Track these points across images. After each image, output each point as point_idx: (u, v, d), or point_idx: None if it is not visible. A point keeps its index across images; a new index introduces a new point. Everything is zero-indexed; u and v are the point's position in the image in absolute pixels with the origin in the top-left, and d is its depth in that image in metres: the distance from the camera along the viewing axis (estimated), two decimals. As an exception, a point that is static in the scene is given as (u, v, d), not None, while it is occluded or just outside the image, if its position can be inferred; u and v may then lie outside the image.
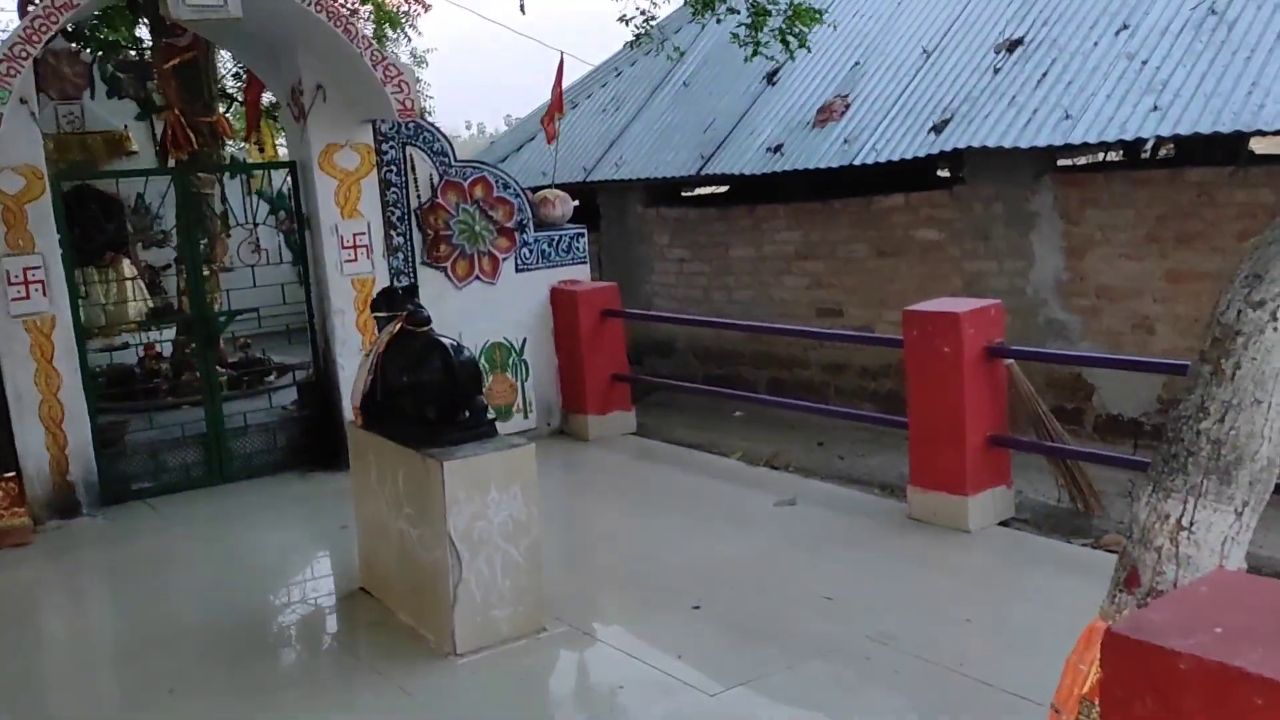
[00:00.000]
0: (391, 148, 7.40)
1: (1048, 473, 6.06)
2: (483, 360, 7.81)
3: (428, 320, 4.63)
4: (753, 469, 7.16)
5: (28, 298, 6.20)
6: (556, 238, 8.16)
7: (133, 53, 10.68)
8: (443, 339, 4.58)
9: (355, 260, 7.24)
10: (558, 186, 8.40)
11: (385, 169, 7.37)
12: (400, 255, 7.50)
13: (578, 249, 8.25)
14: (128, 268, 11.02)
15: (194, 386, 7.97)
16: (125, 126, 11.04)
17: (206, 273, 8.81)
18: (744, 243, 9.72)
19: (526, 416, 8.10)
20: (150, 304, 10.85)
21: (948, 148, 7.52)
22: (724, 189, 11.32)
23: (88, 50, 10.42)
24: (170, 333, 9.80)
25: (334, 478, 6.95)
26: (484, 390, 7.67)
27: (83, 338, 6.69)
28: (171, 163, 8.63)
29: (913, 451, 5.80)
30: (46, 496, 6.37)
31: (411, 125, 7.42)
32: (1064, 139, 6.81)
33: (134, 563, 5.93)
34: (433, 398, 4.48)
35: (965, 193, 7.93)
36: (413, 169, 7.49)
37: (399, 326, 4.64)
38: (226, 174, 10.55)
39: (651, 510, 6.33)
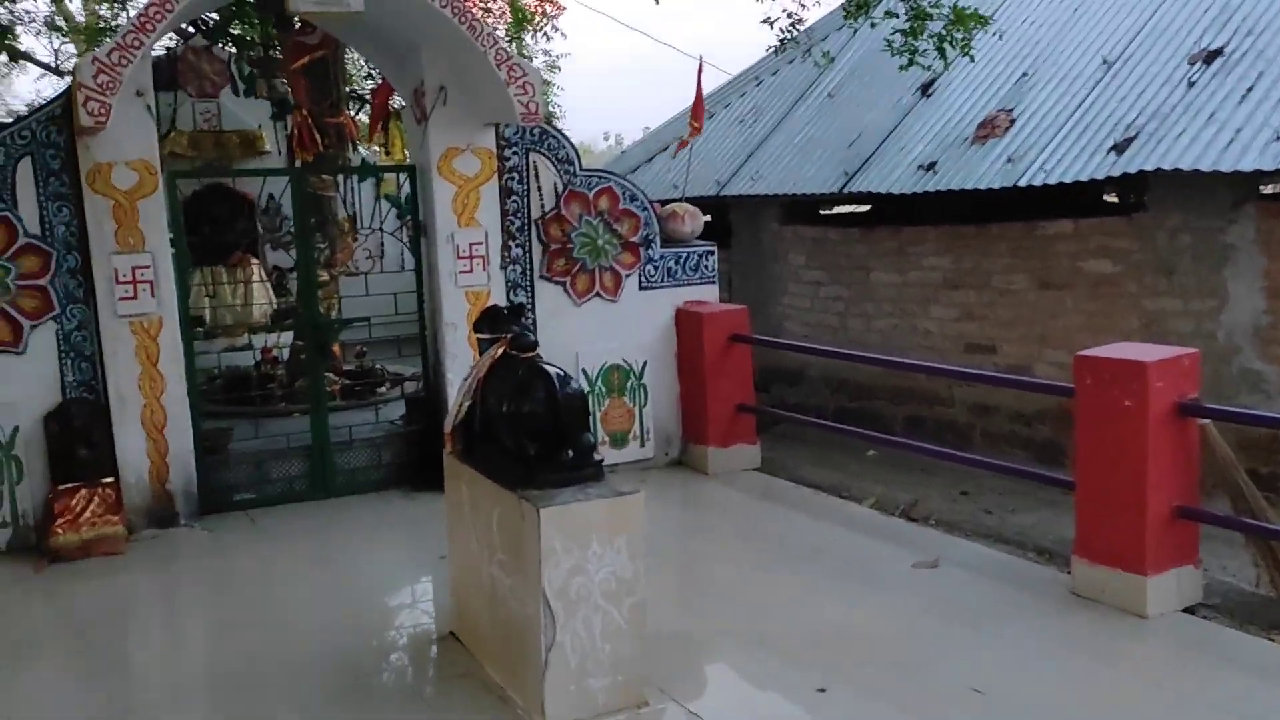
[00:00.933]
0: (514, 154, 7.04)
1: (1243, 551, 5.23)
2: (599, 383, 7.38)
3: (533, 345, 4.19)
4: (887, 519, 6.49)
5: (135, 298, 6.04)
6: (684, 255, 7.66)
7: (267, 51, 10.67)
8: (549, 367, 4.12)
9: (470, 271, 6.89)
10: (688, 200, 7.91)
11: (506, 176, 7.01)
12: (518, 268, 7.13)
13: (706, 268, 7.74)
14: (255, 268, 11.05)
15: (306, 394, 7.79)
16: (259, 126, 11.08)
17: (325, 277, 8.67)
18: (887, 267, 9.05)
19: (643, 445, 7.62)
20: (275, 306, 10.84)
21: (1132, 169, 6.73)
22: (866, 208, 10.65)
23: (224, 47, 10.46)
24: (290, 336, 9.68)
25: (439, 499, 6.58)
26: (594, 420, 7.36)
27: (190, 341, 6.51)
28: (298, 163, 8.51)
29: (1080, 517, 5.07)
30: (144, 504, 6.19)
31: (536, 130, 7.05)
32: (1275, 163, 5.95)
33: (225, 581, 5.69)
34: (533, 432, 4.02)
35: (1147, 221, 7.11)
36: (535, 177, 7.11)
37: (501, 350, 4.20)
38: (355, 178, 10.48)
39: (773, 561, 5.75)
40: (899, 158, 8.71)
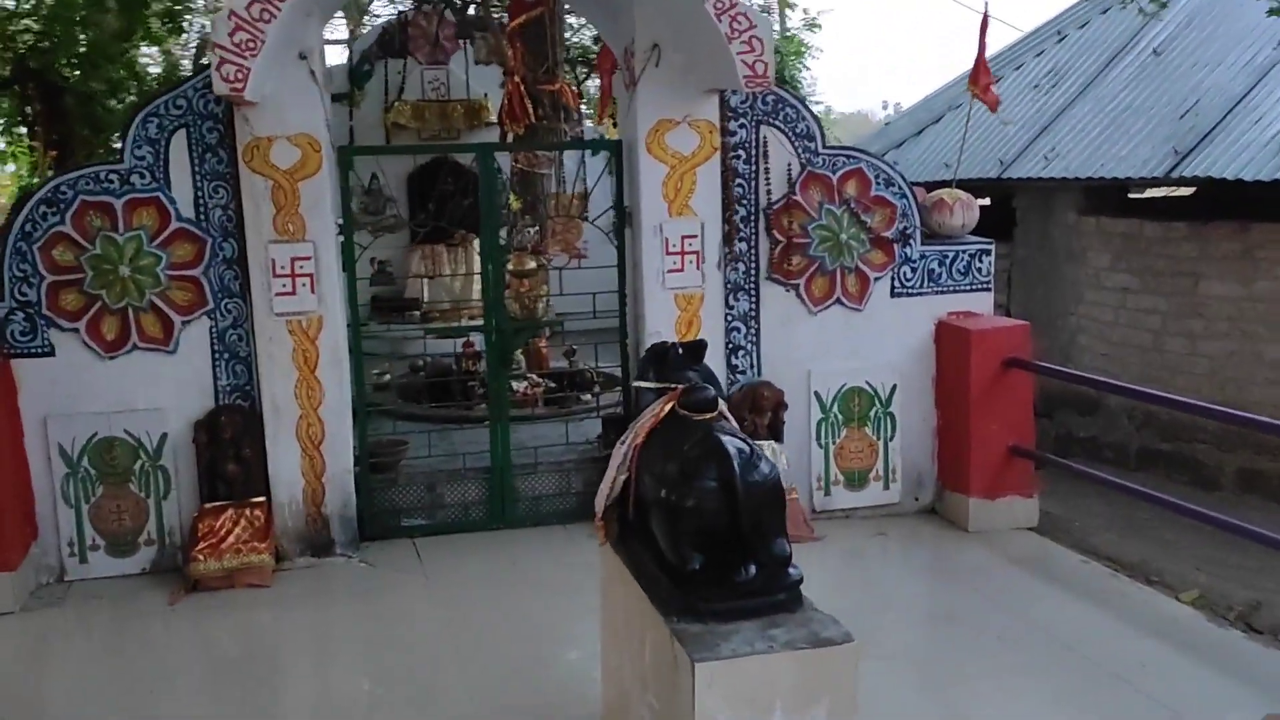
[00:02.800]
0: (741, 127, 5.83)
1: None
2: (835, 410, 6.09)
3: (711, 404, 3.01)
4: (1218, 629, 4.84)
5: (293, 293, 5.34)
6: (951, 254, 6.19)
7: (488, 10, 9.96)
8: (730, 440, 2.92)
9: (681, 270, 5.76)
10: (960, 185, 6.40)
11: (730, 154, 5.81)
12: (740, 267, 5.94)
13: (979, 271, 6.23)
14: (477, 249, 10.43)
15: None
16: (485, 95, 10.42)
17: (533, 265, 7.83)
18: (1224, 274, 7.15)
19: (887, 487, 6.26)
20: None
21: None
22: (1189, 191, 8.62)
23: (448, 11, 9.83)
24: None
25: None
26: (827, 455, 6.07)
27: (358, 344, 5.77)
28: (508, 136, 7.70)
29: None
30: (297, 530, 5.52)
31: (769, 99, 5.81)
32: None
33: (374, 630, 4.94)
34: (700, 533, 2.83)
35: None
36: (765, 156, 5.87)
37: (668, 407, 3.04)
38: (588, 153, 9.59)
39: (1050, 689, 4.28)
40: (1253, 133, 6.80)
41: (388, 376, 8.28)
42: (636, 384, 3.31)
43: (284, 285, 5.34)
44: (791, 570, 2.88)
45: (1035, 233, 8.64)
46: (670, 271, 5.75)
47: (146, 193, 5.28)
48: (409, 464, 6.15)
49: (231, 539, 5.33)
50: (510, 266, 7.85)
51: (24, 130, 14.61)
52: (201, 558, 5.26)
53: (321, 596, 5.26)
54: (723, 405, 3.10)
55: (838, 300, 6.07)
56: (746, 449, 2.88)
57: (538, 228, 7.84)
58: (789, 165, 5.90)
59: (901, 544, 5.93)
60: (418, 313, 10.67)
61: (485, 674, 4.44)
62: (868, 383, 6.17)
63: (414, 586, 5.35)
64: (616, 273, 6.07)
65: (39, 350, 5.28)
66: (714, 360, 5.76)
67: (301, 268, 5.35)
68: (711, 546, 2.83)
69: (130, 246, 5.26)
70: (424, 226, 9.10)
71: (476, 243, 10.36)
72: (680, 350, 3.25)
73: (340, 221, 5.65)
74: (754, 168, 5.88)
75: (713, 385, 3.16)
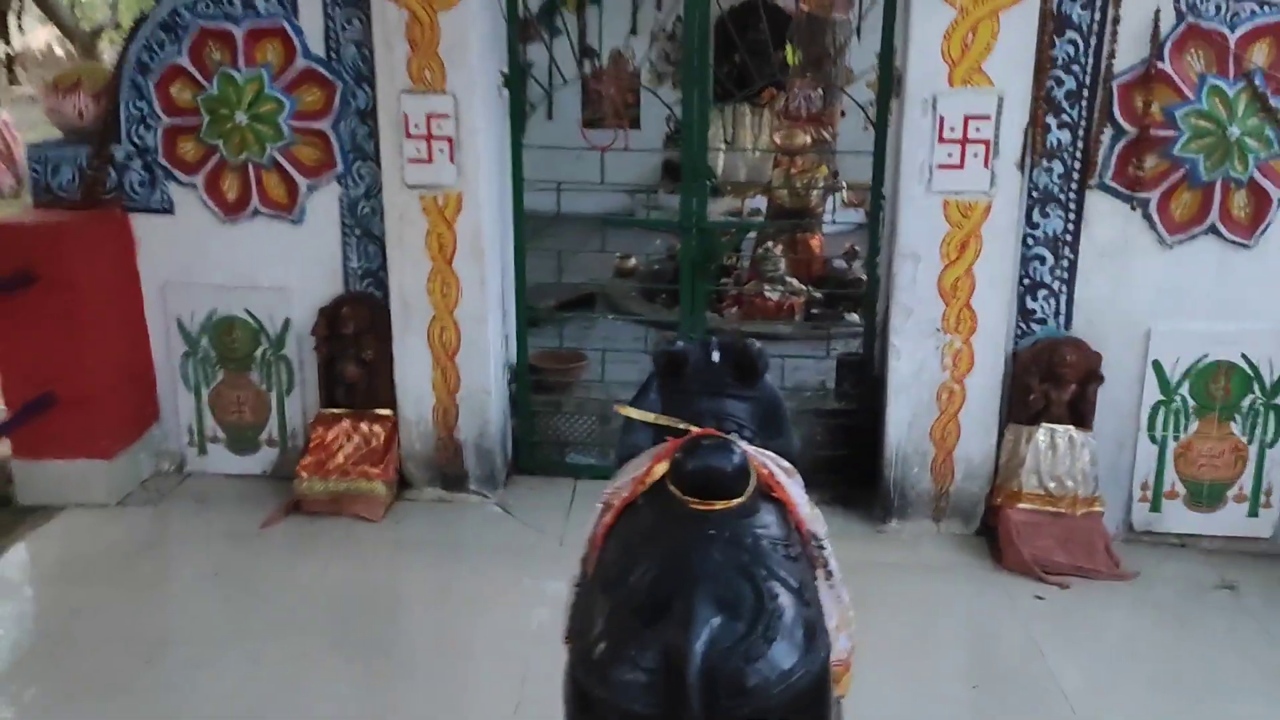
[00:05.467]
0: (1081, -51, 3.85)
1: None
2: (1183, 391, 4.16)
3: (725, 485, 1.48)
4: None
5: (429, 160, 4.22)
6: None
7: None
8: (732, 576, 1.39)
9: (960, 166, 4.01)
10: None
11: (1060, -6, 3.88)
12: (1054, 167, 4.07)
13: None
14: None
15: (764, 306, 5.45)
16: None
17: (806, 139, 6.20)
18: None
19: (1254, 513, 4.31)
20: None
21: None
22: None
23: None
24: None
25: (867, 527, 4.25)
26: (1164, 456, 4.07)
27: (523, 237, 4.58)
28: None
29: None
30: (425, 455, 4.56)
31: (1135, -98, 3.77)
32: None
33: (464, 610, 3.90)
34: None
35: None
36: (1116, 1, 3.87)
37: (657, 470, 1.55)
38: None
39: None
40: None
41: (633, 261, 7.07)
42: (622, 409, 1.83)
43: (417, 149, 4.22)
44: None
45: None
46: (942, 167, 4.00)
47: (270, 20, 4.31)
48: (585, 384, 4.96)
49: (342, 457, 4.46)
50: (778, 138, 6.29)
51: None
52: (305, 474, 4.43)
53: (427, 549, 4.25)
54: (787, 490, 1.56)
55: (1211, 228, 4.04)
56: (765, 608, 1.35)
57: (821, 91, 6.15)
58: (1156, 11, 3.86)
59: (1263, 606, 3.96)
60: (708, 184, 9.39)
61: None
62: (1244, 356, 4.15)
63: (543, 552, 4.21)
64: (872, 162, 4.38)
65: (158, 206, 4.57)
66: (1003, 300, 4.05)
67: (439, 128, 4.19)
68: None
69: (250, 88, 4.35)
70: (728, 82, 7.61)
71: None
72: (719, 354, 1.72)
73: (505, 70, 4.40)
74: (1095, 16, 3.90)
75: (772, 433, 1.63)
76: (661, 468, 1.56)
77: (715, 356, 1.79)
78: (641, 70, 9.77)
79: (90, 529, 4.35)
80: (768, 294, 6.06)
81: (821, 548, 1.65)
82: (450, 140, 4.20)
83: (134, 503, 4.58)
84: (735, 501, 1.49)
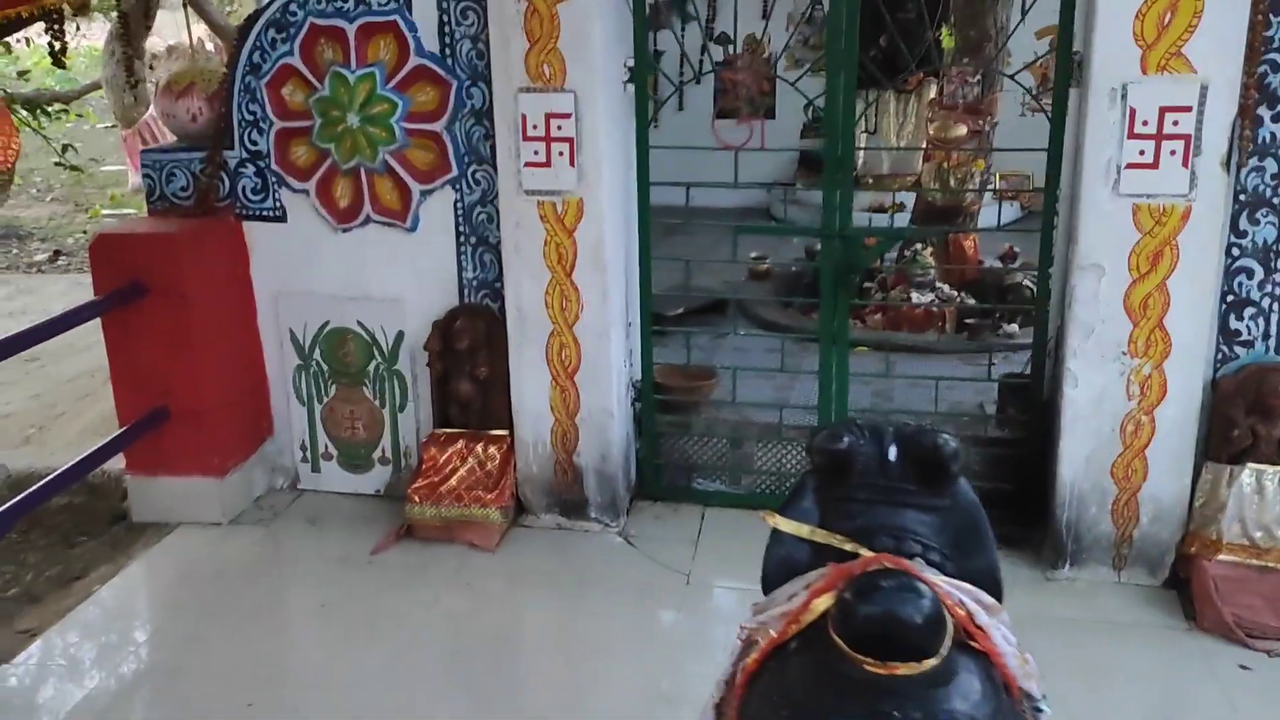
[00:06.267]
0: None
1: None
2: None
3: (913, 639, 1.07)
4: None
5: (547, 163, 3.90)
6: None
7: None
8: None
9: (1154, 165, 3.50)
10: None
11: (1284, -41, 3.31)
12: (1268, 166, 3.50)
13: None
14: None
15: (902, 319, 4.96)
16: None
17: (961, 129, 5.69)
18: None
19: None
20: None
21: None
22: None
23: None
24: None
25: (1035, 572, 3.82)
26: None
27: (648, 243, 4.23)
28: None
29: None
30: (544, 480, 4.27)
31: None
32: None
33: (589, 654, 3.61)
34: None
35: None
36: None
37: (817, 606, 1.16)
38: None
39: None
40: None
41: (768, 263, 6.64)
42: (770, 518, 1.44)
43: (535, 152, 3.91)
44: None
45: None
46: (1132, 166, 3.48)
47: (384, 14, 4.05)
48: (715, 403, 4.59)
49: (455, 481, 4.20)
50: (932, 130, 5.77)
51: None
52: (418, 499, 4.19)
53: (545, 583, 3.97)
54: (992, 639, 1.16)
55: None
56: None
57: (980, 77, 5.60)
58: (1401, -20, 3.25)
59: None
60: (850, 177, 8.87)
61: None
62: None
63: (668, 590, 3.88)
64: (1046, 159, 3.87)
65: (271, 214, 4.39)
66: (1203, 320, 3.52)
67: (559, 129, 3.86)
68: None
69: (362, 88, 4.10)
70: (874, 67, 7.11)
71: (933, 90, 8.24)
72: (896, 450, 1.32)
73: (630, 64, 4.04)
74: (1324, -15, 3.32)
75: (968, 554, 1.22)
76: (822, 603, 1.18)
77: (892, 453, 1.39)
78: (778, 58, 9.33)
79: (202, 549, 4.22)
80: (916, 301, 5.57)
81: (1039, 711, 1.25)
82: (570, 142, 3.87)
83: (246, 520, 4.43)
84: (925, 665, 1.10)
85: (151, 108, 12.34)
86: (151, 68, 10.81)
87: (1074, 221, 3.65)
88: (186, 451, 4.27)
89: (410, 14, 4.03)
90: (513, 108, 3.89)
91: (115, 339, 4.21)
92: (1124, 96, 3.44)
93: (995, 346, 5.20)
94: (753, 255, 6.56)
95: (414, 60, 4.06)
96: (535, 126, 3.89)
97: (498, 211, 4.10)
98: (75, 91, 11.81)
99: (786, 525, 1.42)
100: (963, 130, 5.57)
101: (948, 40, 5.58)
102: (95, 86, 11.28)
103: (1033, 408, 4.09)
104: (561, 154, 3.89)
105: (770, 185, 8.54)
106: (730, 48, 8.99)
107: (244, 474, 4.48)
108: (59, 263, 9.64)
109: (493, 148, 4.04)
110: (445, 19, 4.01)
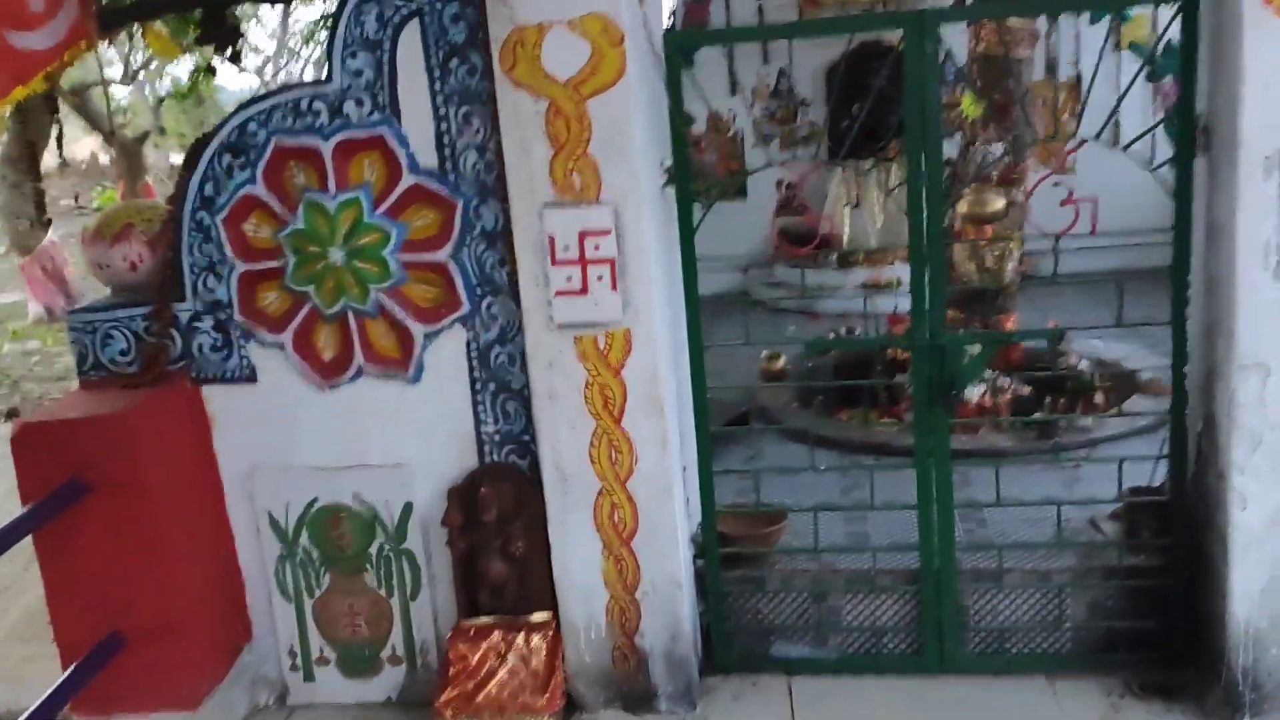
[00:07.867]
0: None
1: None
2: None
3: None
4: None
5: (583, 291, 3.24)
6: None
7: None
8: None
9: (1330, 247, 2.92)
10: None
11: None
12: None
13: None
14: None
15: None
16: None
17: (998, 204, 5.17)
18: None
19: None
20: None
21: None
22: None
23: None
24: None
25: None
26: None
27: (701, 364, 3.56)
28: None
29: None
30: (599, 670, 3.53)
31: None
32: None
33: None
34: None
35: None
36: None
37: None
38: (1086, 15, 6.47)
39: None
40: None
41: (781, 360, 6.02)
42: None
43: (568, 278, 3.24)
44: None
45: None
46: (1293, 243, 2.93)
47: (366, 128, 3.37)
48: (787, 549, 3.89)
49: (494, 684, 3.44)
50: (963, 208, 5.26)
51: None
52: (449, 713, 3.40)
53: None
54: None
55: None
56: None
57: (1008, 144, 5.11)
58: None
59: None
60: (834, 255, 8.37)
61: None
62: None
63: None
64: (1173, 240, 3.32)
65: (236, 375, 3.63)
66: None
67: (596, 248, 3.20)
68: None
69: (345, 217, 3.40)
70: (848, 140, 6.66)
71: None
72: None
73: (669, 165, 3.42)
74: None
75: None
76: None
77: None
78: (742, 132, 8.88)
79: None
80: (966, 394, 4.99)
81: None
82: (612, 263, 3.22)
83: (230, 758, 3.58)
84: None
85: (50, 232, 11.41)
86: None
87: (1226, 315, 3.09)
88: (149, 683, 3.45)
89: (399, 125, 3.36)
90: (537, 227, 3.23)
91: (51, 552, 3.39)
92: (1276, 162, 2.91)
93: (1073, 444, 4.62)
94: (765, 353, 5.94)
95: (407, 179, 3.38)
96: (567, 248, 3.22)
97: (522, 351, 3.40)
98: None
99: None
100: (1001, 204, 5.07)
101: (971, 108, 5.13)
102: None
103: (1174, 530, 3.49)
104: (601, 278, 3.23)
105: (747, 266, 7.98)
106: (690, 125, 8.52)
107: (221, 698, 3.65)
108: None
109: (511, 275, 3.37)
110: (444, 128, 3.35)
